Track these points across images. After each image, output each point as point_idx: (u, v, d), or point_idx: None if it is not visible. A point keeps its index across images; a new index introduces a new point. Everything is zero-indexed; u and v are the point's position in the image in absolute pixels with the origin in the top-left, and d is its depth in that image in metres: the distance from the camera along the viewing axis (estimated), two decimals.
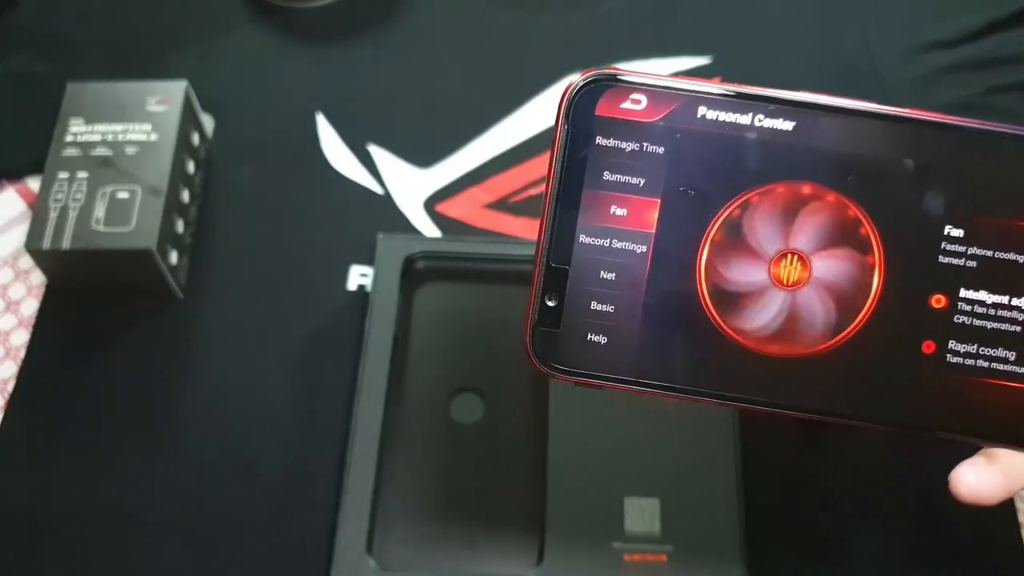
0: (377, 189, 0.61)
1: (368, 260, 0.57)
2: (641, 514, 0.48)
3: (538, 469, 0.50)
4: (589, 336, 0.32)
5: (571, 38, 0.66)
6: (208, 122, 0.63)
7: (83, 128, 0.56)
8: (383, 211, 0.60)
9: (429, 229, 0.59)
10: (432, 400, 0.52)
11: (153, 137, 0.56)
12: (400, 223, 0.59)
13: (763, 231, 0.31)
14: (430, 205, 0.60)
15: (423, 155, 0.62)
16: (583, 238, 0.32)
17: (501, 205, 0.60)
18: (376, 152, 0.62)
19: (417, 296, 0.56)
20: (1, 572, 0.49)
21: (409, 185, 0.61)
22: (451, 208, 0.60)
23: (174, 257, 0.55)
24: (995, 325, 0.31)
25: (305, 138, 0.62)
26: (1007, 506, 0.51)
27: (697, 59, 0.65)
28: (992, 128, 0.31)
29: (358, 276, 0.57)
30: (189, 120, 0.58)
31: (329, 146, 0.62)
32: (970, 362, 0.31)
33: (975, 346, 0.31)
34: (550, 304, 0.32)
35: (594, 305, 0.32)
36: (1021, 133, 0.31)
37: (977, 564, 0.49)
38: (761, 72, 0.64)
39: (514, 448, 0.51)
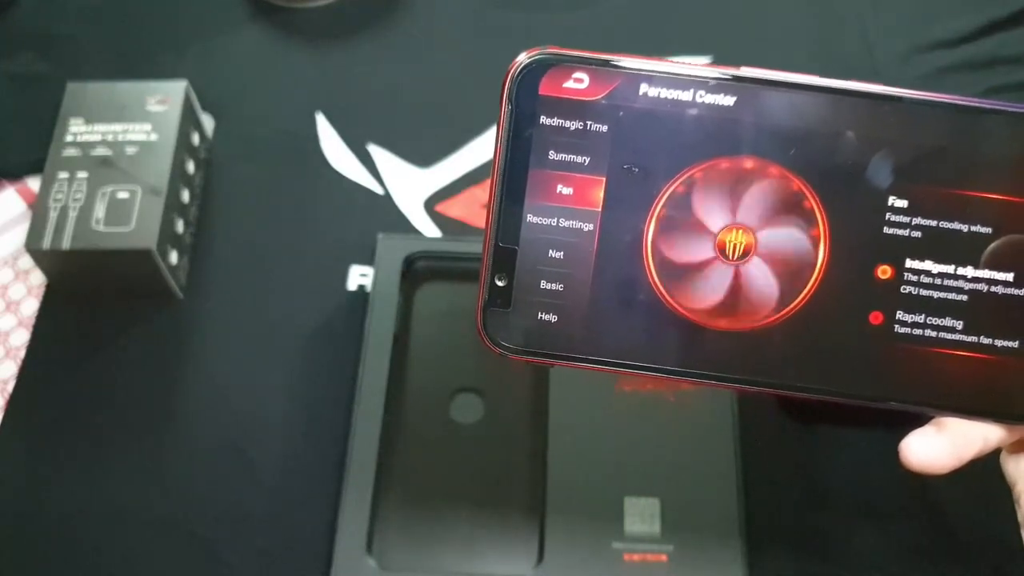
0: (377, 189, 0.60)
1: (368, 260, 0.57)
2: (641, 514, 0.48)
3: (538, 469, 0.50)
4: (539, 315, 0.32)
5: (571, 38, 0.66)
6: (208, 122, 0.63)
7: (83, 128, 0.56)
8: (383, 211, 0.60)
9: (429, 229, 0.59)
10: (432, 400, 0.52)
11: (153, 137, 0.56)
12: (400, 223, 0.59)
13: (708, 206, 0.31)
14: (430, 205, 0.60)
15: (423, 155, 0.62)
16: (530, 217, 0.32)
17: None
18: (376, 152, 0.62)
19: (417, 296, 0.56)
20: (1, 571, 0.49)
21: (409, 185, 0.61)
22: (451, 208, 0.60)
23: (174, 257, 0.55)
24: (941, 295, 0.31)
25: (305, 138, 0.62)
26: (1007, 506, 0.51)
27: (697, 58, 0.65)
28: (932, 98, 0.31)
29: (358, 276, 0.57)
30: (189, 120, 0.58)
31: (329, 146, 0.62)
32: (918, 332, 0.31)
33: (922, 316, 0.31)
34: (500, 284, 0.32)
35: (543, 284, 0.32)
36: (961, 103, 0.31)
37: (977, 564, 0.49)
38: None
39: (514, 448, 0.51)
